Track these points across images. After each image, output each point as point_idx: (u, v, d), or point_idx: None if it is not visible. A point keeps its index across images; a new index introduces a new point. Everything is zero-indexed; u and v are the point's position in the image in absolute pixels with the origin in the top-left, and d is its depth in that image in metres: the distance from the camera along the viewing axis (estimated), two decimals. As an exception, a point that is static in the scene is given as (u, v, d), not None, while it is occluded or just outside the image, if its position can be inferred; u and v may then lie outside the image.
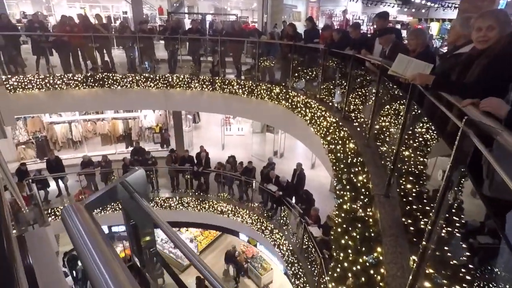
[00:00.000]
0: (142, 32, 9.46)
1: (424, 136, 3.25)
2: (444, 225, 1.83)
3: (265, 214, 9.25)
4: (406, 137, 3.24)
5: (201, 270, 0.72)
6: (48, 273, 1.39)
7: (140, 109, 12.52)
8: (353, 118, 5.29)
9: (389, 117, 4.22)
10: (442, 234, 1.79)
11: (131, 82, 9.11)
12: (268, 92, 8.17)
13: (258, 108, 8.75)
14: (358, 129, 4.84)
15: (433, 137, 3.14)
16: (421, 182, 2.95)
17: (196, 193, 10.28)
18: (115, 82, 9.03)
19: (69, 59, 8.98)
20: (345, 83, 5.86)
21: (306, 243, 7.51)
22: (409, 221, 2.57)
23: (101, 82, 8.95)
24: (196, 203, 10.15)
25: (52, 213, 9.33)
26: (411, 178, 3.01)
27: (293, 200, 8.98)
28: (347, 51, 5.22)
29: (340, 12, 16.06)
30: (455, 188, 1.67)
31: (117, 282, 0.51)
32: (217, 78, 8.95)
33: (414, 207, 2.72)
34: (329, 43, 6.35)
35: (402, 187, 3.04)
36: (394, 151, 3.10)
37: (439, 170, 2.40)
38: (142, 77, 9.09)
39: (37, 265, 1.33)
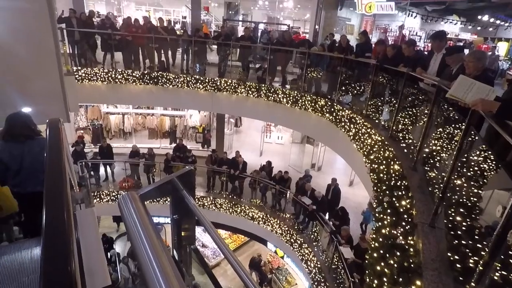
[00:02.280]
0: (198, 36, 9.93)
1: (481, 165, 2.97)
2: (499, 268, 1.65)
3: (296, 227, 9.08)
4: (459, 164, 2.99)
5: (238, 270, 0.74)
6: (92, 250, 1.49)
7: (187, 108, 13.09)
8: (401, 138, 5.02)
9: (441, 141, 3.93)
10: (496, 278, 1.61)
11: (182, 82, 9.59)
12: (313, 104, 8.08)
13: (300, 118, 8.68)
14: (405, 150, 4.58)
15: (491, 167, 2.87)
16: (473, 215, 2.70)
17: (230, 196, 10.44)
18: (168, 81, 9.58)
19: (130, 57, 9.74)
20: (394, 101, 5.61)
21: (336, 263, 7.23)
22: (456, 257, 2.36)
23: (155, 80, 9.55)
24: (229, 205, 10.30)
25: (98, 196, 10.09)
26: (462, 210, 2.77)
27: (326, 216, 8.72)
28: (401, 68, 4.99)
29: (396, 27, 15.44)
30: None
31: (162, 270, 0.54)
32: (263, 85, 9.07)
33: (463, 242, 2.49)
34: (382, 58, 6.12)
35: (451, 218, 2.81)
36: (445, 178, 2.88)
37: (498, 206, 2.18)
38: (192, 78, 9.53)
39: (83, 242, 1.43)
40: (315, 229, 8.62)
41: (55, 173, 1.47)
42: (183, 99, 10.11)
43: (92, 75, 9.25)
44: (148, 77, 9.53)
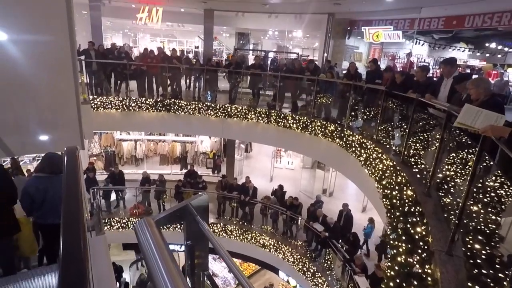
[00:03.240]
0: (210, 65, 10.31)
1: (498, 191, 2.90)
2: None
3: (308, 255, 8.82)
4: (475, 190, 2.93)
5: (242, 282, 0.75)
6: (104, 278, 1.50)
7: (199, 134, 13.32)
8: (413, 163, 4.95)
9: (455, 166, 3.87)
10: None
11: (194, 109, 9.85)
12: (323, 129, 8.13)
13: (310, 143, 8.71)
14: (418, 176, 4.51)
15: (508, 193, 2.79)
16: (492, 243, 2.60)
17: (240, 222, 10.30)
18: (180, 108, 9.86)
19: (144, 85, 10.14)
20: (405, 126, 5.60)
21: (351, 293, 6.91)
22: (477, 287, 2.25)
23: (168, 107, 9.85)
24: (239, 232, 10.14)
25: (108, 223, 10.10)
26: (480, 237, 2.67)
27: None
28: (410, 94, 5.03)
29: (404, 54, 15.70)
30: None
31: None
32: (273, 111, 9.23)
33: (483, 271, 2.39)
34: (391, 84, 6.20)
35: (469, 246, 2.71)
36: (460, 204, 2.81)
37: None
38: (204, 105, 9.79)
39: (95, 269, 1.45)
40: (328, 257, 8.33)
41: (73, 201, 1.52)
42: (195, 126, 10.33)
43: (107, 103, 9.62)
44: (161, 105, 9.84)
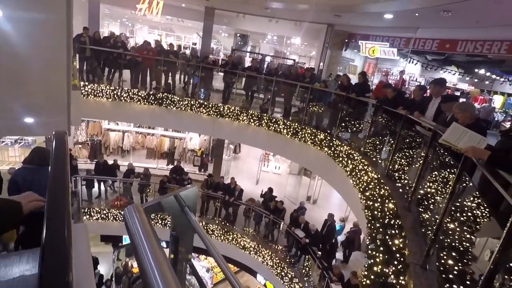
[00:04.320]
0: (206, 63, 10.30)
1: (474, 211, 3.02)
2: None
3: (288, 260, 8.87)
4: (453, 208, 3.03)
5: (229, 276, 0.78)
6: (82, 267, 1.49)
7: (189, 131, 13.24)
8: (397, 178, 5.09)
9: (436, 184, 4.00)
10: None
11: (186, 106, 9.80)
12: (312, 137, 8.24)
13: (299, 150, 8.80)
14: (401, 190, 4.63)
15: (484, 214, 2.91)
16: (465, 260, 2.70)
17: (223, 223, 10.28)
18: (172, 103, 9.79)
19: (138, 77, 10.03)
20: (392, 141, 5.74)
21: (326, 301, 6.99)
22: (447, 301, 2.34)
23: (160, 101, 9.76)
24: (221, 232, 10.10)
25: (88, 213, 9.89)
26: (454, 253, 2.77)
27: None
28: (400, 110, 5.17)
29: (397, 71, 16.07)
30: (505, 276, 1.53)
31: (164, 280, 0.59)
32: (265, 115, 9.28)
33: (454, 287, 2.47)
34: (382, 99, 6.35)
35: (443, 261, 2.80)
36: (438, 221, 2.91)
37: (487, 250, 2.20)
38: (196, 102, 9.75)
39: (74, 257, 1.43)
40: (307, 263, 8.40)
41: (59, 185, 1.51)
42: (186, 122, 10.28)
43: (98, 91, 9.46)
44: (153, 98, 9.75)
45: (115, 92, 9.56)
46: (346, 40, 13.96)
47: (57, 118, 5.55)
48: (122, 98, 9.64)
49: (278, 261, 8.97)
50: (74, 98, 6.17)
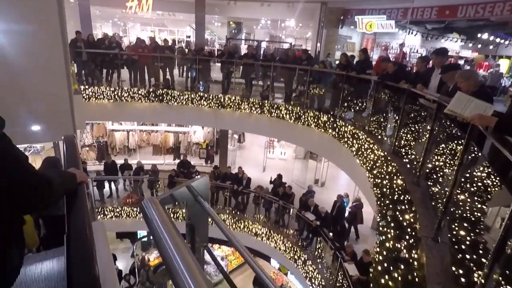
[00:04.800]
0: (202, 55, 10.21)
1: (484, 181, 3.01)
2: (502, 281, 1.68)
3: (300, 243, 8.99)
4: (462, 180, 3.03)
5: (257, 271, 0.81)
6: (104, 262, 1.55)
7: (191, 124, 13.28)
8: (403, 154, 5.07)
9: (444, 156, 3.99)
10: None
11: (186, 100, 9.79)
12: (315, 120, 8.20)
13: (303, 134, 8.78)
14: (408, 166, 4.63)
15: (495, 183, 2.90)
16: (477, 230, 2.72)
17: (233, 212, 10.41)
18: (172, 99, 9.79)
19: (136, 75, 10.01)
20: (396, 117, 5.70)
21: (341, 280, 7.11)
22: (461, 271, 2.37)
23: (160, 98, 9.76)
24: (232, 221, 10.25)
25: (101, 212, 10.10)
26: (465, 224, 2.79)
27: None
28: (402, 84, 5.11)
29: (396, 44, 15.77)
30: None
31: (186, 264, 0.62)
32: (266, 101, 9.24)
33: (467, 256, 2.50)
34: (383, 74, 6.27)
35: (454, 233, 2.83)
36: (447, 193, 2.92)
37: (498, 217, 2.21)
38: (197, 95, 9.73)
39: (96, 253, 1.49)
40: (319, 245, 8.53)
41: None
42: (188, 116, 10.29)
43: (99, 93, 9.48)
44: (153, 95, 9.75)
45: (115, 93, 9.57)
46: (342, 17, 13.67)
47: (62, 123, 5.62)
48: (123, 98, 9.66)
49: (290, 245, 9.11)
50: (76, 102, 6.22)
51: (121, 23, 21.68)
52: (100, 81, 9.82)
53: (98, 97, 9.50)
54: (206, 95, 9.75)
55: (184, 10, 14.80)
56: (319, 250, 8.44)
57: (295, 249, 8.93)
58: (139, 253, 13.23)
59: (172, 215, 10.40)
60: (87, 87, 9.38)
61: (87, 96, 9.34)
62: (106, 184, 10.70)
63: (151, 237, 11.30)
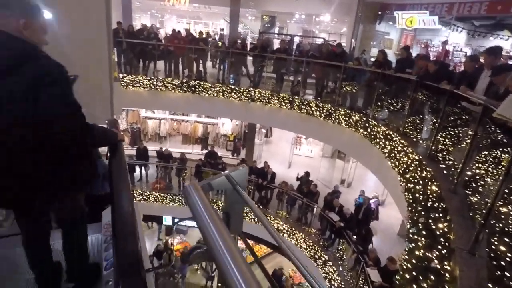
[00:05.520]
0: (235, 48, 10.26)
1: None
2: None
3: (321, 243, 8.88)
4: (506, 191, 2.82)
5: (292, 258, 0.82)
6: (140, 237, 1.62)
7: (221, 117, 13.44)
8: (440, 159, 4.81)
9: (486, 164, 3.73)
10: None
11: (217, 92, 9.92)
12: (347, 118, 7.99)
13: (333, 132, 8.60)
14: (445, 172, 4.38)
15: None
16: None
17: (256, 205, 10.45)
18: (204, 90, 9.95)
19: (171, 66, 10.29)
20: (435, 120, 5.41)
21: (362, 285, 6.95)
22: (498, 288, 2.22)
23: (193, 88, 9.97)
24: (254, 215, 10.31)
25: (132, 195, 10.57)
26: (507, 239, 2.60)
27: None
28: (443, 85, 4.82)
29: (439, 42, 14.84)
30: None
31: (229, 249, 0.63)
32: (296, 97, 9.14)
33: (507, 274, 2.34)
34: (423, 74, 5.95)
35: (494, 247, 2.65)
36: (489, 204, 2.73)
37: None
38: (228, 88, 9.82)
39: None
40: (341, 247, 8.37)
41: (121, 169, 1.66)
42: (218, 108, 10.43)
43: (135, 81, 9.86)
44: (186, 85, 9.97)
45: (151, 81, 9.90)
46: (380, 12, 13.09)
47: (102, 108, 5.92)
48: (157, 87, 9.97)
49: (311, 244, 9.02)
50: (115, 89, 6.53)
51: (158, 14, 22.30)
52: (137, 69, 10.20)
53: (135, 85, 9.88)
54: (237, 88, 9.81)
55: (219, 3, 14.92)
56: (341, 252, 8.29)
57: (316, 248, 8.83)
58: (163, 237, 13.78)
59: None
60: (125, 75, 9.78)
61: (125, 84, 9.74)
62: (137, 168, 11.19)
63: (177, 222, 11.71)
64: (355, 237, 8.10)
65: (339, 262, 8.15)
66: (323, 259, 8.52)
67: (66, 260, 1.74)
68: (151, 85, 9.92)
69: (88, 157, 1.60)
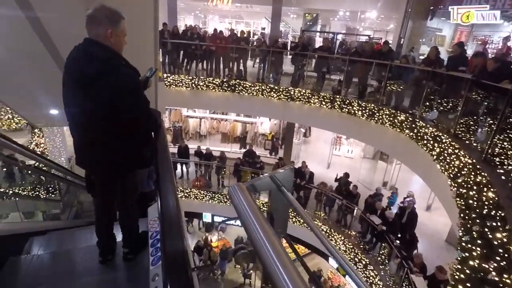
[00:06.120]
0: (276, 47, 10.27)
1: None
2: None
3: (362, 246, 8.58)
4: None
5: (341, 262, 0.82)
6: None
7: (260, 116, 13.55)
8: (497, 163, 4.40)
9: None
10: None
11: (257, 91, 10.01)
12: (391, 118, 7.62)
13: (376, 133, 8.25)
14: (503, 177, 4.00)
15: None
16: None
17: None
18: (244, 89, 10.11)
19: (212, 65, 10.58)
20: (491, 121, 4.95)
21: (405, 292, 6.60)
22: None
23: (233, 88, 10.17)
24: (292, 215, 10.26)
25: (174, 191, 11.09)
26: None
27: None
28: (505, 84, 4.40)
29: (499, 38, 13.46)
30: None
31: (275, 250, 0.65)
32: (337, 96, 8.90)
33: None
34: (480, 72, 5.47)
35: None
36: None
37: None
38: (267, 87, 9.87)
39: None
40: (383, 251, 8.01)
41: (166, 167, 1.77)
42: (257, 107, 10.53)
43: (178, 81, 10.31)
44: (226, 85, 10.21)
45: (193, 81, 10.29)
46: (432, 8, 12.24)
47: (147, 107, 6.29)
48: (199, 86, 10.33)
49: (351, 246, 8.76)
50: (160, 89, 6.89)
51: (201, 15, 23.03)
52: (180, 69, 10.64)
53: (178, 85, 10.34)
54: (276, 87, 9.81)
55: (261, 2, 15.02)
56: (383, 256, 7.94)
57: (356, 251, 8.56)
58: (203, 233, 14.27)
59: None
60: (169, 74, 10.27)
61: (169, 84, 10.24)
62: (178, 166, 11.68)
63: (223, 222, 12.05)
64: (398, 241, 7.71)
65: (381, 267, 7.82)
66: (364, 262, 8.24)
67: (122, 229, 2.11)
68: (193, 85, 10.30)
69: (150, 142, 2.04)
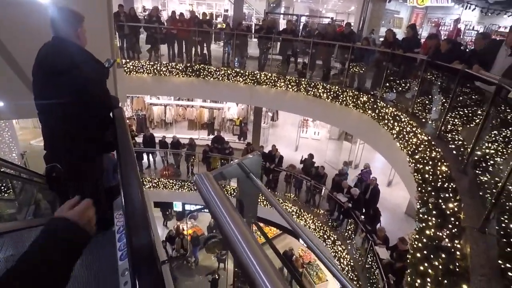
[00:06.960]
0: (240, 30, 10.05)
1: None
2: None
3: (330, 223, 9.00)
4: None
5: (309, 243, 0.83)
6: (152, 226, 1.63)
7: (226, 101, 13.38)
8: (449, 139, 4.75)
9: (496, 144, 3.68)
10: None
11: (222, 75, 9.82)
12: (354, 100, 7.88)
13: (340, 114, 8.52)
14: (454, 152, 4.34)
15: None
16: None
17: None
18: (209, 74, 9.86)
19: (174, 50, 10.14)
20: (444, 100, 5.30)
21: (370, 262, 7.07)
22: (508, 265, 2.24)
23: (197, 73, 9.87)
24: (262, 198, 10.43)
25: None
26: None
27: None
28: (456, 65, 4.69)
29: (450, 20, 14.31)
30: None
31: (244, 237, 0.64)
32: (303, 79, 9.01)
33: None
34: (434, 53, 5.78)
35: (504, 225, 2.65)
36: (500, 184, 2.71)
37: None
38: (233, 71, 9.71)
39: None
40: (349, 227, 8.47)
41: (129, 159, 1.67)
42: (223, 92, 10.35)
43: (139, 67, 9.78)
44: (190, 70, 9.88)
45: (154, 67, 9.82)
46: (390, -10, 12.62)
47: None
48: (161, 72, 9.90)
49: (320, 224, 9.14)
50: (119, 76, 6.47)
51: (160, -4, 21.76)
52: (140, 53, 10.08)
53: (138, 71, 9.82)
54: (242, 71, 9.69)
55: (222, -17, 14.51)
56: (349, 232, 8.40)
57: (325, 229, 8.96)
58: (174, 222, 14.08)
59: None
60: (128, 60, 9.70)
61: (128, 70, 9.69)
62: (145, 156, 11.29)
63: (191, 212, 11.93)
64: (363, 217, 8.18)
65: (348, 241, 8.28)
66: (332, 238, 8.66)
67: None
68: (155, 71, 9.84)
69: (109, 127, 2.21)
